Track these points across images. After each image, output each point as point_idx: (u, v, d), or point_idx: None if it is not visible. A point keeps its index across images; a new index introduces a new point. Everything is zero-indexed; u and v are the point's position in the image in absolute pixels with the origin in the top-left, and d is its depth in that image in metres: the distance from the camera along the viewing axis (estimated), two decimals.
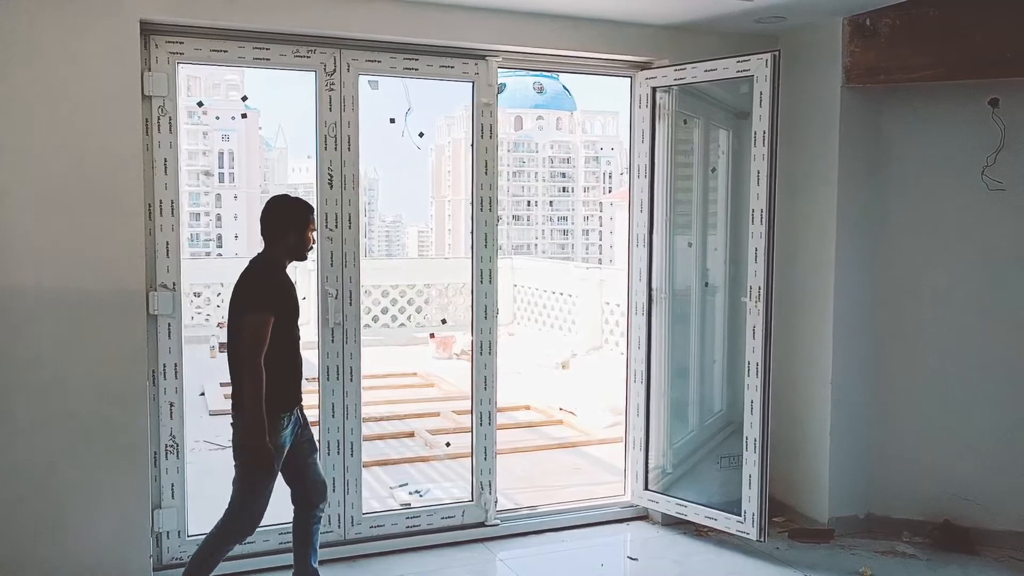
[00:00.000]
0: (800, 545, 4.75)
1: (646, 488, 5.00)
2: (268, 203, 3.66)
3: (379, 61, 4.41)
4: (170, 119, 4.05)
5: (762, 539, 4.49)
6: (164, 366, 4.13)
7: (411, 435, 7.38)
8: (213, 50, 4.14)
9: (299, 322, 3.63)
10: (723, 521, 4.65)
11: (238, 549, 4.29)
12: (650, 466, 5.02)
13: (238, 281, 3.55)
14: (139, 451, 4.03)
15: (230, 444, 3.62)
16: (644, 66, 4.93)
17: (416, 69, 4.49)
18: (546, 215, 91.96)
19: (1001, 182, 4.59)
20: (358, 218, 4.48)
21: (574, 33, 4.65)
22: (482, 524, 4.77)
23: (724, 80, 4.62)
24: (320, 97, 4.32)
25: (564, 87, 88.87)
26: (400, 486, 5.80)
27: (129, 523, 4.03)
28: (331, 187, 4.36)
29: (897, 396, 4.89)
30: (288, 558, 4.30)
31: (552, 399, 8.57)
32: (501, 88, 4.89)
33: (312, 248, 3.71)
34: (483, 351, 4.72)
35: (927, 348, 4.85)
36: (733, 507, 4.60)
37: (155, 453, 4.14)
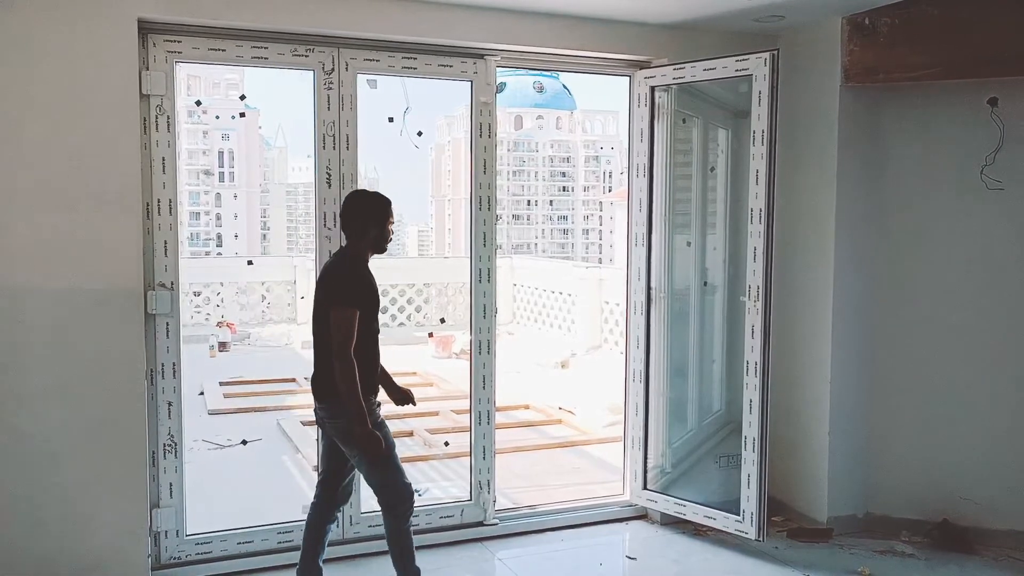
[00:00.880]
0: (799, 544, 4.75)
1: (645, 487, 5.00)
2: (349, 199, 3.78)
3: (377, 60, 4.41)
4: (168, 118, 4.05)
5: (761, 538, 4.49)
6: (162, 365, 4.13)
7: (410, 434, 7.37)
8: (211, 49, 4.14)
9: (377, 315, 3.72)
10: (722, 520, 4.65)
11: (237, 549, 4.32)
12: (649, 465, 5.02)
13: (325, 274, 3.72)
14: (137, 450, 4.03)
15: (325, 425, 3.76)
16: (643, 65, 4.92)
17: (415, 68, 4.48)
18: (546, 214, 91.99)
19: (1000, 181, 4.59)
20: None
21: (572, 32, 4.65)
22: (481, 523, 4.76)
23: (723, 79, 4.61)
24: (318, 96, 4.32)
25: (564, 86, 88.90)
26: None
27: (127, 522, 4.02)
28: (329, 186, 4.36)
29: (896, 395, 4.89)
30: (286, 557, 4.32)
31: (551, 398, 8.57)
32: (501, 87, 4.89)
33: (391, 240, 3.81)
34: (482, 350, 4.72)
35: (926, 347, 4.85)
36: (732, 506, 4.60)
37: (153, 452, 4.13)
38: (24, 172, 3.80)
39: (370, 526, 4.55)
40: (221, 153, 75.13)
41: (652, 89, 4.88)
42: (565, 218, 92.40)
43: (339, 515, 3.96)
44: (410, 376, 10.10)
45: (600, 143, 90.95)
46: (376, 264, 3.82)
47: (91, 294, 3.90)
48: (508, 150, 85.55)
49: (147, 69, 4.00)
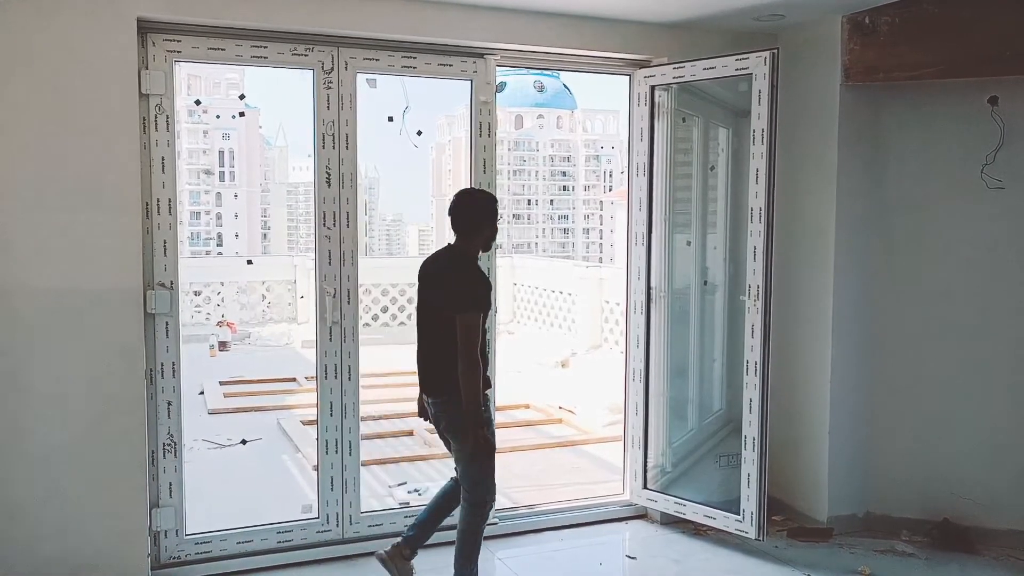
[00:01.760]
0: (799, 544, 4.75)
1: (645, 487, 5.00)
2: (462, 198, 3.83)
3: (377, 59, 4.40)
4: (167, 117, 4.05)
5: (761, 538, 4.49)
6: (162, 365, 4.12)
7: (410, 434, 7.37)
8: (210, 48, 4.13)
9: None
10: (722, 520, 4.65)
11: (237, 548, 4.32)
12: (649, 465, 5.02)
13: (443, 273, 3.80)
14: (137, 450, 4.02)
15: (438, 421, 3.93)
16: (643, 64, 4.92)
17: (414, 67, 4.48)
18: (546, 214, 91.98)
19: (1000, 180, 4.58)
20: (356, 216, 4.47)
21: (572, 31, 4.65)
22: None
23: (723, 78, 4.61)
24: (318, 95, 4.31)
25: (564, 86, 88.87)
26: (399, 485, 5.80)
27: (127, 522, 4.02)
28: (329, 185, 4.36)
29: (896, 395, 4.89)
30: (286, 557, 4.35)
31: (551, 398, 8.57)
32: (501, 87, 4.89)
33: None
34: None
35: (926, 347, 4.84)
36: (732, 506, 4.59)
37: (153, 452, 4.13)
38: (23, 171, 3.79)
39: (369, 526, 4.55)
40: (222, 152, 75.12)
41: (652, 88, 4.88)
42: (565, 217, 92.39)
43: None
44: (410, 375, 10.10)
45: (600, 142, 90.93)
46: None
47: (90, 293, 3.90)
48: (509, 149, 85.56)
49: (146, 68, 3.99)
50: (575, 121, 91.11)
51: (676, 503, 4.84)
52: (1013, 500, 4.70)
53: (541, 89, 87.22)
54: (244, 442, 6.83)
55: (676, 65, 4.74)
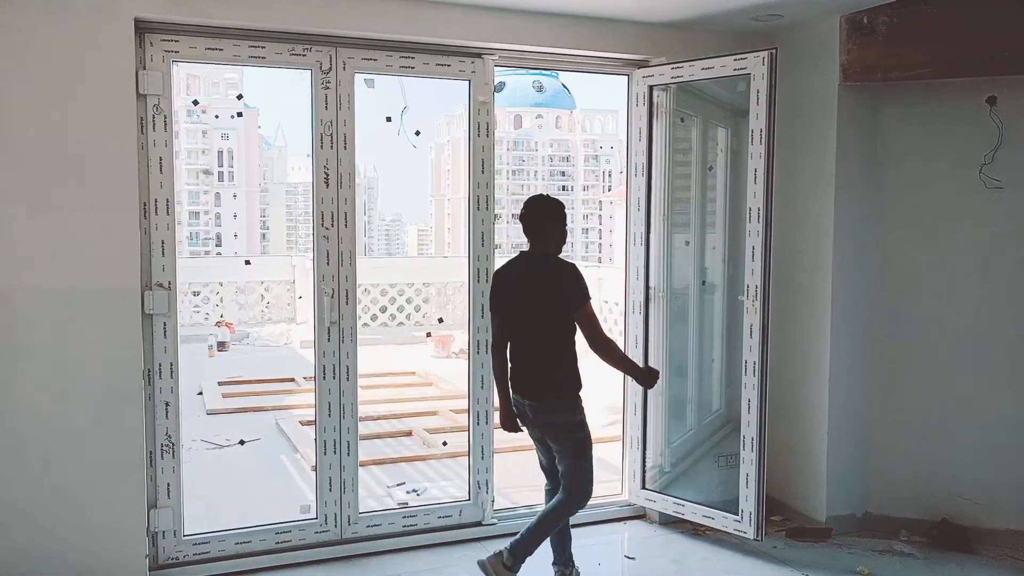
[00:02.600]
0: (798, 544, 4.74)
1: (643, 487, 5.00)
2: (537, 204, 3.91)
3: (375, 59, 4.40)
4: (165, 117, 4.04)
5: (759, 538, 4.48)
6: (159, 365, 4.12)
7: (409, 434, 7.38)
8: (208, 48, 4.13)
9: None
10: (720, 520, 4.65)
11: (235, 549, 4.32)
12: (647, 465, 5.02)
13: (547, 277, 3.84)
14: (134, 450, 4.02)
15: (537, 420, 3.91)
16: (641, 64, 4.91)
17: (412, 67, 4.48)
18: None
19: (999, 180, 4.58)
20: (354, 216, 4.46)
21: (571, 31, 4.64)
22: (479, 523, 4.76)
23: (721, 78, 4.60)
24: (316, 95, 4.31)
25: (564, 86, 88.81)
26: (397, 485, 5.80)
27: (125, 523, 4.02)
28: (327, 185, 4.35)
29: (895, 395, 4.88)
30: (284, 558, 4.35)
31: None
32: (500, 87, 4.91)
33: None
34: (480, 350, 4.71)
35: (925, 347, 4.84)
36: (731, 506, 4.59)
37: (151, 452, 4.13)
38: (20, 171, 3.79)
39: (368, 526, 4.54)
40: (220, 153, 75.01)
41: (650, 88, 4.87)
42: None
43: None
44: (409, 376, 10.11)
45: (600, 142, 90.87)
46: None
47: (88, 294, 3.89)
48: (507, 149, 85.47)
49: (144, 69, 3.99)
50: (574, 121, 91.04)
51: (675, 503, 4.84)
52: (1012, 500, 4.70)
53: (540, 89, 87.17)
54: (242, 442, 6.83)
55: (674, 65, 4.73)
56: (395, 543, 4.55)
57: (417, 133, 5.53)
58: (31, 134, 3.79)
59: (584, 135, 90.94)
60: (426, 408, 8.32)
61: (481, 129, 4.62)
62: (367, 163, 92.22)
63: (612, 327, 11.11)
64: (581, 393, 3.92)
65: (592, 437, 3.95)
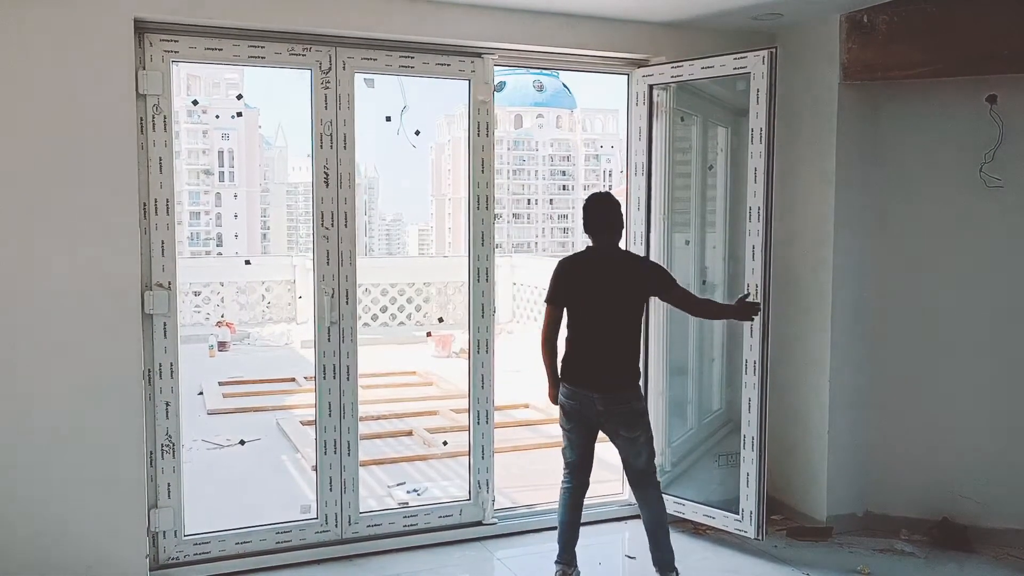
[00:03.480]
0: (798, 543, 4.74)
1: None
2: (605, 200, 4.03)
3: (375, 59, 4.40)
4: (165, 118, 4.04)
5: (760, 537, 4.48)
6: (160, 365, 4.12)
7: (409, 433, 7.38)
8: (208, 48, 4.13)
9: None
10: (721, 519, 4.65)
11: (235, 549, 4.32)
12: None
13: (632, 266, 4.03)
14: (135, 450, 4.02)
15: (621, 409, 4.01)
16: (641, 63, 4.91)
17: (412, 67, 4.47)
18: (546, 213, 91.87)
19: (999, 179, 4.58)
20: (354, 216, 4.46)
21: (570, 30, 4.64)
22: (480, 523, 4.76)
23: (721, 77, 4.60)
24: (316, 95, 4.31)
25: (564, 85, 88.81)
26: (398, 485, 5.80)
27: (125, 523, 4.02)
28: (327, 185, 4.35)
29: (895, 394, 4.88)
30: (285, 557, 4.35)
31: None
32: (501, 86, 4.91)
33: None
34: (480, 350, 4.71)
35: (925, 346, 4.84)
36: (731, 505, 4.59)
37: (151, 453, 4.13)
38: (20, 171, 3.79)
39: (368, 526, 4.54)
40: (221, 153, 75.00)
41: (650, 87, 4.87)
42: (565, 217, 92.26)
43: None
44: (409, 375, 10.11)
45: (600, 142, 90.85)
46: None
47: (88, 294, 3.90)
48: (508, 149, 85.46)
49: (144, 69, 3.99)
50: (574, 120, 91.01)
51: (675, 502, 4.84)
52: (1012, 499, 4.70)
53: (540, 88, 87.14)
54: (243, 442, 6.83)
55: (674, 64, 4.73)
56: (395, 543, 4.55)
57: (417, 133, 5.52)
58: (31, 134, 3.79)
59: (584, 135, 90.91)
60: (426, 408, 8.33)
61: (481, 129, 4.62)
62: (367, 163, 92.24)
63: None
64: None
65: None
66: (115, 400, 3.97)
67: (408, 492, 5.60)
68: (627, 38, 4.77)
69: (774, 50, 4.33)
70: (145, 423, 4.07)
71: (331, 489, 4.46)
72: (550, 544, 4.71)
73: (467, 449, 4.82)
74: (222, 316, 12.77)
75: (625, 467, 4.16)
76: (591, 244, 4.03)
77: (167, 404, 4.15)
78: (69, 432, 3.91)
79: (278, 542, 4.38)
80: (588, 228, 4.01)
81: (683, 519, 4.85)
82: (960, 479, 4.78)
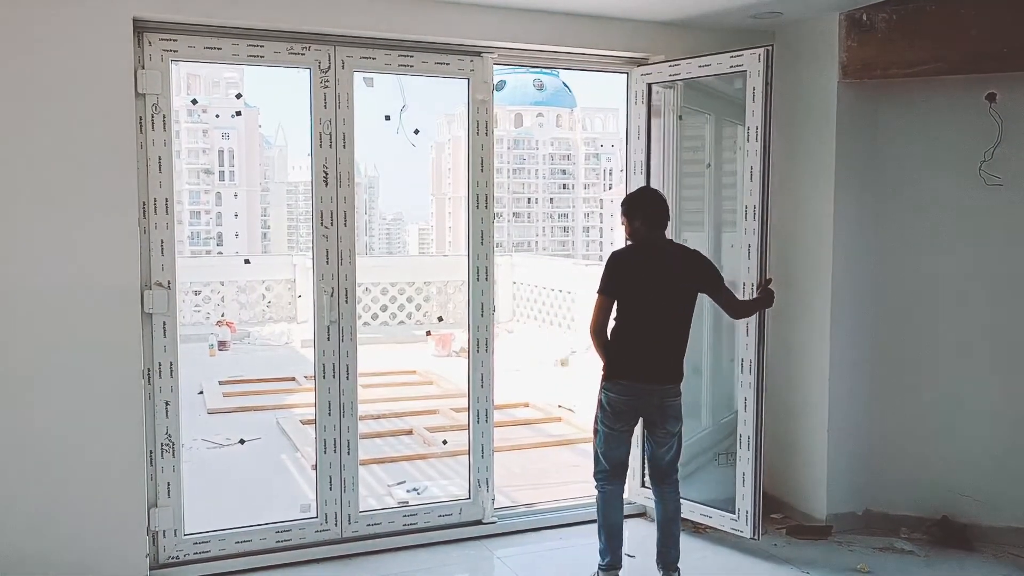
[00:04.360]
0: (798, 542, 4.74)
1: (643, 485, 4.99)
2: (659, 197, 4.08)
3: (374, 58, 4.39)
4: (164, 117, 4.04)
5: (756, 537, 4.48)
6: (159, 364, 4.12)
7: (409, 432, 7.38)
8: (207, 47, 4.12)
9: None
10: (718, 519, 4.64)
11: (235, 548, 4.32)
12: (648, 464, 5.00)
13: (689, 260, 4.03)
14: (134, 450, 4.02)
15: (667, 409, 4.00)
16: (640, 62, 4.91)
17: (411, 66, 4.47)
18: (546, 212, 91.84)
19: (999, 177, 4.57)
20: (354, 215, 4.46)
21: (570, 29, 4.64)
22: (479, 522, 4.76)
23: (718, 75, 4.60)
24: (315, 94, 4.30)
25: (564, 84, 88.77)
26: (398, 484, 5.80)
27: (125, 522, 4.02)
28: (326, 184, 4.35)
29: (895, 393, 4.88)
30: (285, 557, 4.37)
31: (551, 396, 8.57)
32: (501, 85, 4.91)
33: None
34: (480, 349, 4.71)
35: (925, 344, 4.84)
36: (729, 504, 4.59)
37: (151, 452, 4.13)
38: (19, 171, 3.79)
39: (368, 525, 4.55)
40: (221, 152, 74.98)
41: (649, 86, 4.87)
42: (565, 216, 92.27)
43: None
44: (409, 374, 10.11)
45: (600, 140, 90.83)
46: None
47: (87, 293, 3.90)
48: (508, 148, 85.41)
49: (143, 68, 3.99)
50: (575, 119, 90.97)
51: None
52: (1012, 498, 4.70)
53: (540, 87, 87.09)
54: (243, 441, 6.83)
55: (672, 63, 4.73)
56: (395, 542, 4.55)
57: (416, 132, 5.53)
58: (30, 133, 3.79)
59: (585, 133, 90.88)
60: (426, 407, 8.33)
61: (481, 128, 4.62)
62: (367, 162, 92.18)
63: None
64: None
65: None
66: (115, 399, 3.97)
67: (408, 491, 5.60)
68: (627, 37, 4.77)
69: (770, 48, 4.33)
70: (145, 422, 4.07)
71: (331, 488, 4.46)
72: (550, 543, 4.73)
73: (467, 448, 4.82)
74: (222, 315, 12.76)
75: (652, 462, 4.14)
76: (641, 234, 3.99)
77: (167, 403, 4.15)
78: (69, 431, 3.91)
79: (278, 541, 4.38)
80: (643, 217, 3.98)
81: (683, 518, 4.83)
82: (960, 478, 4.78)
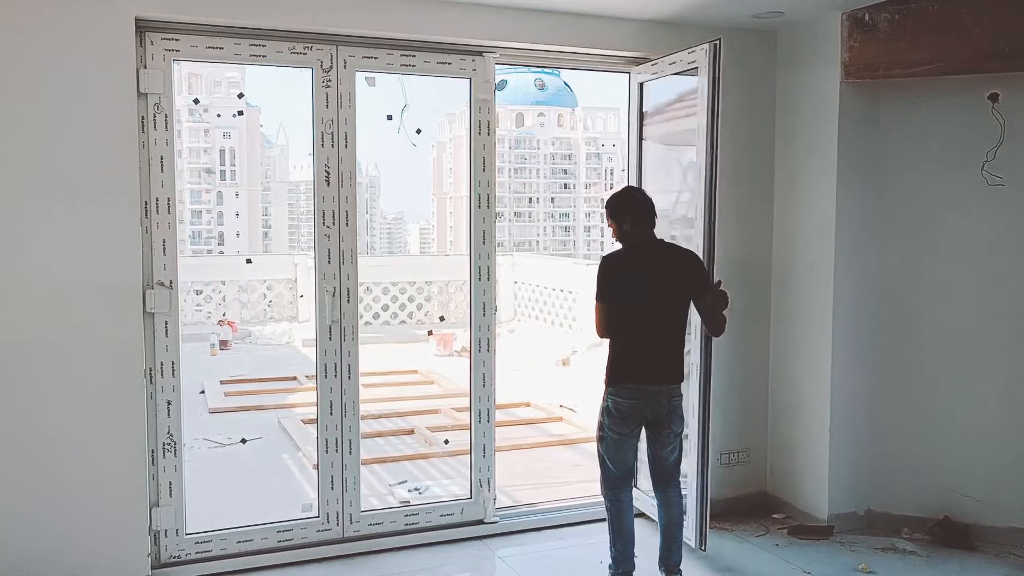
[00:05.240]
0: (800, 542, 4.74)
1: (636, 487, 4.98)
2: (644, 196, 4.05)
3: (376, 58, 4.39)
4: (166, 116, 4.04)
5: (702, 547, 4.43)
6: (161, 364, 4.12)
7: (411, 432, 7.38)
8: (209, 47, 4.12)
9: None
10: None
11: (237, 548, 4.32)
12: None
13: (681, 260, 3.99)
14: (136, 449, 4.02)
15: (673, 410, 3.97)
16: (641, 62, 4.91)
17: (413, 66, 4.47)
18: (547, 212, 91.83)
19: (1001, 177, 4.57)
20: (355, 215, 4.46)
21: (572, 29, 4.64)
22: (481, 521, 4.76)
23: (682, 73, 4.52)
24: (317, 94, 4.30)
25: (565, 83, 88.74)
26: (399, 483, 5.80)
27: (127, 521, 4.02)
28: (328, 184, 4.35)
29: (897, 393, 4.88)
30: (286, 556, 4.37)
31: (552, 396, 8.57)
32: (502, 85, 4.91)
33: None
34: (482, 348, 4.71)
35: (926, 344, 4.83)
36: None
37: (153, 451, 4.13)
38: (21, 170, 3.79)
39: (370, 525, 4.55)
40: (223, 151, 75.01)
41: (640, 85, 4.89)
42: (567, 215, 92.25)
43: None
44: (411, 374, 10.12)
45: (601, 140, 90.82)
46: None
47: (89, 292, 3.90)
48: (509, 147, 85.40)
49: (144, 67, 3.99)
50: (576, 119, 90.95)
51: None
52: (1013, 498, 4.69)
53: (542, 87, 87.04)
54: (244, 441, 6.83)
55: (653, 62, 4.77)
56: (397, 541, 4.55)
57: (418, 131, 5.54)
58: (32, 133, 3.79)
59: (586, 133, 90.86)
60: (428, 406, 8.33)
61: (482, 127, 4.62)
62: (369, 161, 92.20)
63: None
64: None
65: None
66: (117, 398, 3.97)
67: (409, 491, 5.60)
68: (628, 37, 4.77)
69: (717, 42, 4.22)
70: (147, 421, 4.07)
71: (332, 488, 4.46)
72: (552, 543, 4.73)
73: (468, 448, 4.82)
74: (223, 315, 12.78)
75: (655, 465, 4.08)
76: (631, 236, 3.94)
77: (168, 403, 4.15)
78: (71, 430, 3.91)
79: (279, 541, 4.38)
80: (631, 218, 3.93)
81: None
82: (962, 478, 4.77)
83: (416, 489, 5.63)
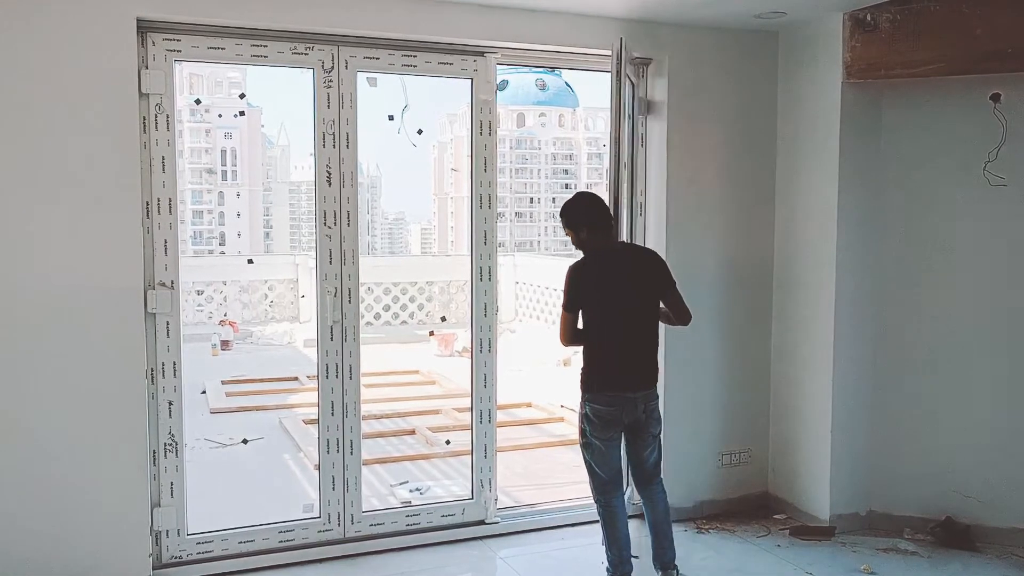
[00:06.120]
0: (801, 542, 4.74)
1: None
2: (599, 200, 4.03)
3: (377, 58, 4.39)
4: (167, 117, 4.04)
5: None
6: (163, 364, 4.12)
7: (412, 432, 7.38)
8: (210, 47, 4.12)
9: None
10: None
11: (238, 548, 4.32)
12: None
13: (646, 260, 4.01)
14: (138, 450, 4.02)
15: (650, 408, 3.98)
16: (642, 62, 4.91)
17: (414, 66, 4.47)
18: (549, 212, 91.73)
19: (1003, 177, 4.56)
20: (357, 215, 4.46)
21: (573, 29, 4.63)
22: (482, 522, 4.76)
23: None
24: (318, 94, 4.30)
25: (567, 84, 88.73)
26: (400, 484, 5.80)
27: (128, 522, 4.02)
28: (329, 184, 4.35)
29: (898, 393, 4.87)
30: (287, 556, 4.37)
31: (553, 396, 8.57)
32: (503, 85, 4.91)
33: None
34: (483, 349, 4.70)
35: (928, 344, 4.83)
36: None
37: (154, 452, 4.13)
38: (22, 171, 3.79)
39: (371, 525, 4.54)
40: (224, 151, 75.01)
41: (634, 86, 4.90)
42: None
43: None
44: (412, 374, 10.12)
45: (602, 140, 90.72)
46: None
47: (91, 293, 3.90)
48: (511, 148, 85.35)
49: (146, 68, 3.99)
50: (577, 119, 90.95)
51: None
52: (1015, 498, 4.68)
53: (543, 87, 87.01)
54: (245, 441, 6.83)
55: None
56: (398, 542, 4.55)
57: (420, 132, 5.53)
58: (33, 133, 3.79)
59: (587, 133, 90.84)
60: (429, 407, 8.33)
61: (483, 127, 4.62)
62: (370, 161, 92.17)
63: None
64: None
65: None
66: (118, 399, 3.97)
67: (411, 491, 5.60)
68: (629, 37, 4.76)
69: (621, 40, 4.32)
70: (148, 422, 4.07)
71: (334, 488, 4.46)
72: (553, 543, 4.73)
73: (469, 448, 4.82)
74: (225, 315, 12.78)
75: (635, 467, 4.09)
76: (591, 243, 3.94)
77: (170, 403, 4.15)
78: (72, 431, 3.91)
79: (281, 541, 4.38)
80: (589, 225, 3.91)
81: (687, 518, 4.84)
82: (963, 478, 4.77)
83: (417, 489, 5.63)
